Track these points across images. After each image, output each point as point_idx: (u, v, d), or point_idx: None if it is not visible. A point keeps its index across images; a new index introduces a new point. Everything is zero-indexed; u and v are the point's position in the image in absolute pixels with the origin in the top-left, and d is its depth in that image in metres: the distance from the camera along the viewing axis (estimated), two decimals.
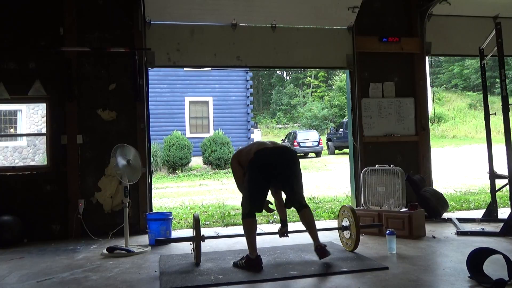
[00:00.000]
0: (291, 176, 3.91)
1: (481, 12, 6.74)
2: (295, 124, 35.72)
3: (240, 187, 4.01)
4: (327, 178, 12.19)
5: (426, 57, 6.74)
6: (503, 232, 4.82)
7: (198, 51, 6.03)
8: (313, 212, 4.17)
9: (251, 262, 3.76)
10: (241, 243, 4.71)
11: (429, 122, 6.97)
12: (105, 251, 4.55)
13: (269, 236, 4.63)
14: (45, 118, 5.78)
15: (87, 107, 5.68)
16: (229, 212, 6.89)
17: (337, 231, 4.60)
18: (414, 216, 4.86)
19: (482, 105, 6.54)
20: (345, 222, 4.36)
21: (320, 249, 3.80)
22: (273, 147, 3.97)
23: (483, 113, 6.12)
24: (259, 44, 6.22)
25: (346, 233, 4.34)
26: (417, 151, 6.57)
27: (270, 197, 4.09)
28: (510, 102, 5.18)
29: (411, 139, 6.56)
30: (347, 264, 3.71)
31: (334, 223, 5.67)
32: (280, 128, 37.02)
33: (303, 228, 4.00)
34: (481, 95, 7.10)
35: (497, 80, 17.38)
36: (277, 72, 43.82)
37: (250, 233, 3.82)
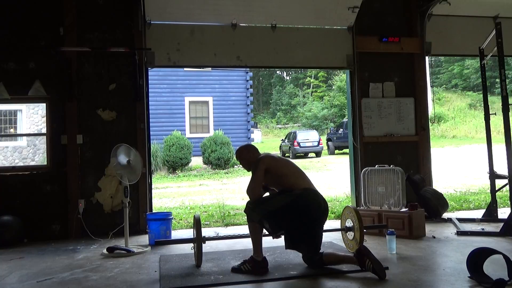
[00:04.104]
0: (321, 228, 3.80)
1: (481, 12, 6.74)
2: (295, 124, 35.76)
3: (253, 191, 3.71)
4: (327, 178, 12.19)
5: (426, 57, 6.74)
6: (503, 232, 4.82)
7: (198, 51, 6.03)
8: None
9: (257, 264, 3.68)
10: (241, 243, 4.72)
11: (429, 122, 6.97)
12: (105, 251, 4.55)
13: (269, 236, 4.62)
14: (45, 118, 5.78)
15: (87, 107, 5.68)
16: (229, 212, 6.88)
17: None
18: (414, 216, 4.86)
19: (482, 105, 6.54)
20: (349, 223, 4.34)
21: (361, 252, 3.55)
22: (319, 194, 3.77)
23: (483, 113, 6.12)
24: (259, 44, 6.22)
25: (349, 234, 4.33)
26: (417, 151, 6.57)
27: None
28: (510, 102, 5.18)
29: (411, 139, 6.56)
30: (347, 264, 3.70)
31: (334, 223, 5.68)
32: (280, 128, 37.07)
33: None
34: (481, 95, 7.11)
35: (497, 80, 17.38)
36: (277, 72, 43.85)
37: (257, 235, 3.74)
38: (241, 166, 4.02)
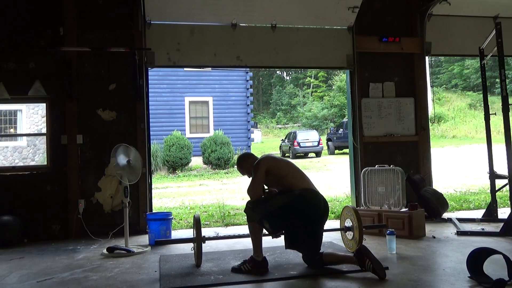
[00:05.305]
0: (321, 228, 3.80)
1: (481, 12, 6.74)
2: (295, 124, 35.78)
3: (254, 192, 3.72)
4: (327, 178, 12.19)
5: (426, 57, 6.74)
6: (503, 232, 4.82)
7: (198, 51, 6.03)
8: None
9: (257, 264, 3.69)
10: (241, 243, 4.72)
11: (429, 122, 6.97)
12: (105, 251, 4.55)
13: (268, 236, 4.62)
14: (45, 118, 5.78)
15: (87, 107, 5.68)
16: (229, 212, 6.88)
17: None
18: (414, 216, 4.86)
19: (482, 105, 6.54)
20: (348, 223, 4.34)
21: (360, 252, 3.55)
22: (319, 194, 3.77)
23: (483, 113, 6.12)
24: (259, 44, 6.22)
25: (349, 234, 4.33)
26: (417, 151, 6.57)
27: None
28: (510, 102, 5.18)
29: (411, 139, 6.57)
30: (347, 264, 3.70)
31: (334, 223, 5.68)
32: (280, 128, 37.09)
33: None
34: (481, 95, 7.11)
35: (497, 80, 17.40)
36: (277, 72, 43.88)
37: (257, 235, 3.75)
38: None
